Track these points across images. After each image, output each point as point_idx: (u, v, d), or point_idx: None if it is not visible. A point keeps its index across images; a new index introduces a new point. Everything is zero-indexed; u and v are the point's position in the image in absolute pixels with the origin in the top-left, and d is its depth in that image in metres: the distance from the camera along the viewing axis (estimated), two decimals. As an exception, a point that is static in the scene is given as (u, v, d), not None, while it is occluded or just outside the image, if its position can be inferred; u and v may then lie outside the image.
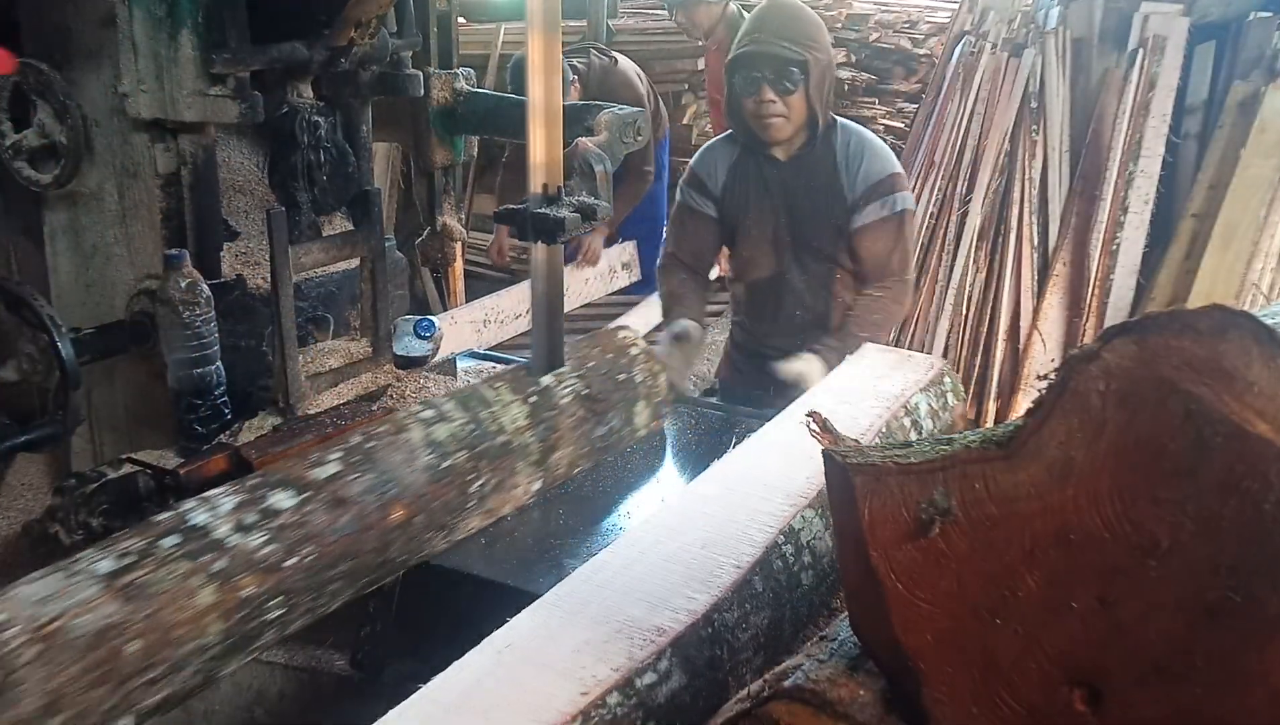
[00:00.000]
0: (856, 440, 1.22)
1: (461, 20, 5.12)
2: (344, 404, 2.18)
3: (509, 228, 2.01)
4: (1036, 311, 4.31)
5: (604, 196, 2.05)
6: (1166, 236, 4.14)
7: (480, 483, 1.82)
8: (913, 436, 2.19)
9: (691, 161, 2.89)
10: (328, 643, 1.92)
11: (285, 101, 2.21)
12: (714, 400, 2.62)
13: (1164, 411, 0.90)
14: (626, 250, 5.36)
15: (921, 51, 6.24)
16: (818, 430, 1.27)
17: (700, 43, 5.02)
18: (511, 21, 6.65)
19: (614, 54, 4.98)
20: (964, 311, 4.45)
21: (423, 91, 2.42)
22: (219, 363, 2.01)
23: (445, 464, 1.77)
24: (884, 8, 6.38)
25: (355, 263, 2.21)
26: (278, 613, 1.53)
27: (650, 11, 6.94)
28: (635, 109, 2.33)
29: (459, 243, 2.72)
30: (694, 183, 2.84)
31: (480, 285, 5.37)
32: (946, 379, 2.44)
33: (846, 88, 6.09)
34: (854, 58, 6.17)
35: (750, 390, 2.63)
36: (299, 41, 2.10)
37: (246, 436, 2.01)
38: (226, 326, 2.05)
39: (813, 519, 1.77)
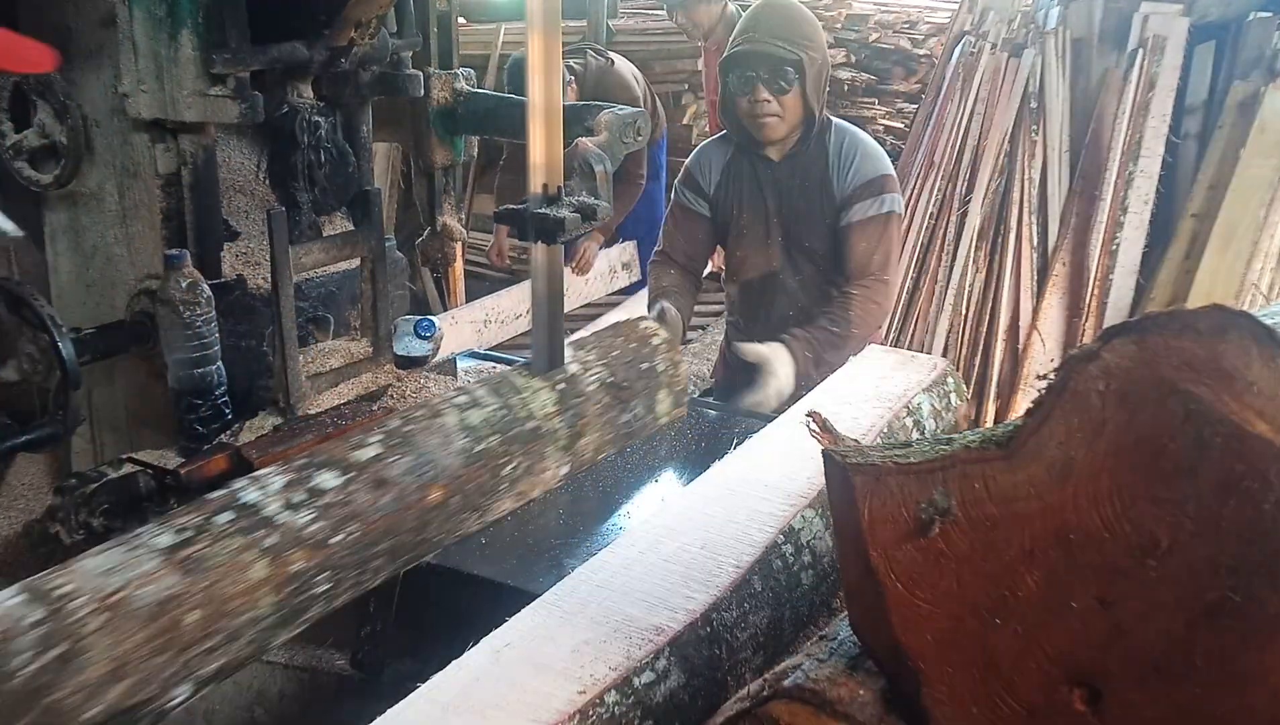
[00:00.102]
0: (856, 440, 1.22)
1: (462, 20, 5.12)
2: (344, 404, 2.18)
3: (508, 229, 2.01)
4: (1036, 311, 4.32)
5: (604, 196, 2.05)
6: (1166, 236, 4.14)
7: (512, 466, 1.86)
8: (915, 437, 2.19)
9: (687, 161, 2.91)
10: (328, 642, 1.92)
11: (285, 101, 2.21)
12: (711, 400, 2.62)
13: (1164, 411, 0.91)
14: (627, 250, 5.37)
15: (921, 52, 6.24)
16: (817, 430, 1.27)
17: (700, 43, 5.02)
18: (511, 22, 6.65)
19: (611, 55, 4.98)
20: (964, 311, 4.46)
21: (423, 92, 2.42)
22: (219, 363, 2.01)
23: (479, 448, 1.81)
24: (883, 8, 6.38)
25: (355, 263, 2.21)
26: (325, 587, 1.57)
27: (650, 12, 6.95)
28: (635, 109, 2.33)
29: (459, 243, 2.72)
30: (688, 181, 2.85)
31: (480, 285, 5.37)
32: (949, 379, 2.44)
33: (846, 88, 6.09)
34: (854, 58, 6.17)
35: (745, 391, 2.63)
36: (299, 41, 2.10)
37: (247, 436, 2.01)
38: (227, 326, 2.05)
39: (812, 519, 1.77)
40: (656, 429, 2.19)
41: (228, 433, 2.01)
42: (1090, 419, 0.94)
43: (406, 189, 5.44)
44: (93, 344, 2.00)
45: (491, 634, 1.41)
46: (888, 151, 2.90)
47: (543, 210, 1.96)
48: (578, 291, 5.05)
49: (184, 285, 1.92)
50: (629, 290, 5.40)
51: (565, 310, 2.15)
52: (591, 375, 2.04)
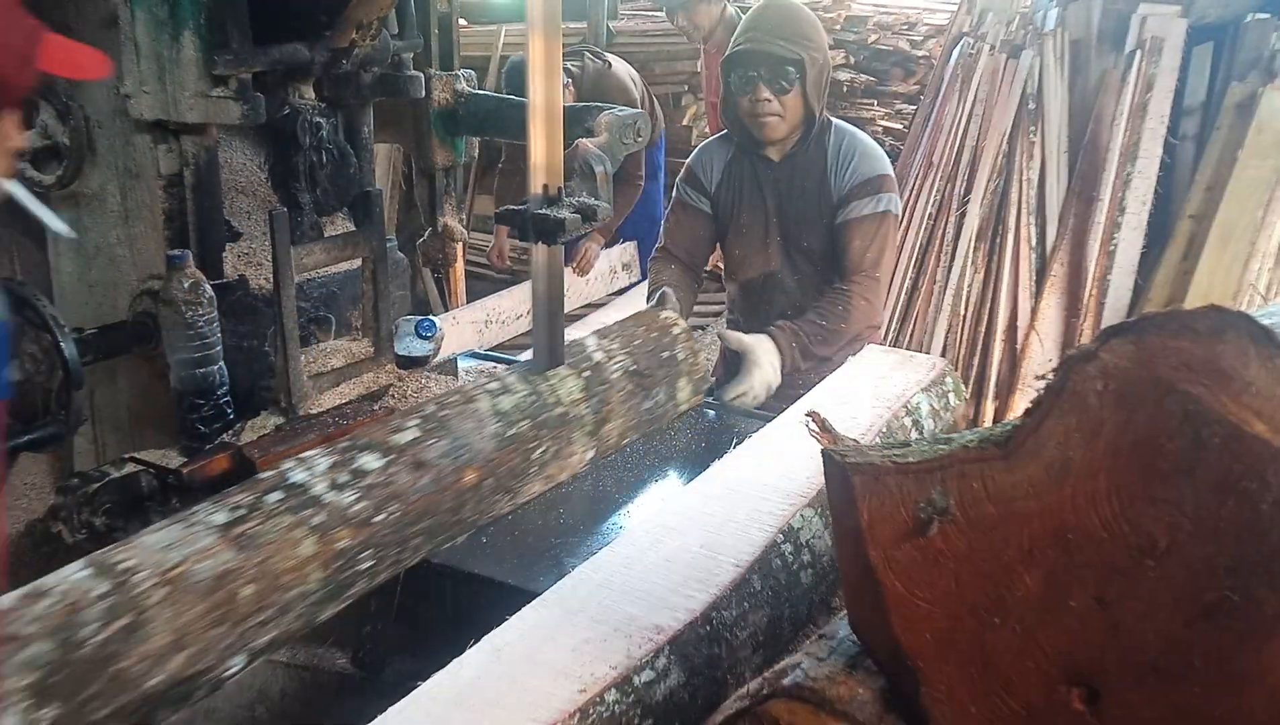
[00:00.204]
0: (855, 440, 1.23)
1: (462, 22, 5.12)
2: (346, 404, 2.18)
3: (509, 230, 2.03)
4: (1034, 312, 4.32)
5: (604, 197, 2.05)
6: (1164, 237, 4.15)
7: (541, 450, 1.95)
8: (914, 436, 2.20)
9: (688, 160, 2.92)
10: (329, 641, 1.93)
11: (287, 103, 2.22)
12: (711, 400, 2.63)
13: (1161, 411, 0.91)
14: (627, 250, 5.37)
15: (920, 53, 6.24)
16: (817, 430, 1.27)
17: (700, 45, 5.01)
18: (512, 23, 6.66)
19: (608, 57, 4.98)
20: (962, 311, 4.46)
21: (424, 93, 2.43)
22: (221, 362, 2.01)
23: (510, 432, 1.90)
24: (883, 9, 6.38)
25: (357, 263, 2.21)
26: (368, 564, 1.65)
27: (650, 13, 6.95)
28: (635, 110, 2.34)
29: (460, 243, 2.73)
30: (689, 179, 2.87)
31: (481, 286, 5.37)
32: (948, 379, 2.44)
33: (845, 89, 6.09)
34: (852, 59, 6.17)
35: (728, 383, 2.63)
36: (301, 43, 2.11)
37: (249, 436, 2.01)
38: (229, 326, 2.05)
39: (812, 518, 1.77)
40: (677, 415, 2.32)
41: (230, 432, 2.01)
42: (1088, 419, 0.95)
43: (408, 190, 5.44)
44: (95, 344, 2.01)
45: (492, 633, 1.42)
46: (887, 152, 2.90)
47: (543, 211, 1.97)
48: (578, 292, 5.05)
49: (186, 285, 1.92)
50: (629, 290, 5.40)
51: (565, 310, 2.16)
52: (615, 363, 2.14)
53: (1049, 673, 1.02)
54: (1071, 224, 4.28)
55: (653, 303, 2.60)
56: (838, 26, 6.06)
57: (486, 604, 1.62)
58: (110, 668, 1.32)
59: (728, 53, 2.72)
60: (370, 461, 1.69)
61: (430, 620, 1.87)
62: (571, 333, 2.21)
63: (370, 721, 1.25)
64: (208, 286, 1.96)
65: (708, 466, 1.98)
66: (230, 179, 2.23)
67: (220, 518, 1.51)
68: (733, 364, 2.96)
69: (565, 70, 4.62)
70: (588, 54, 4.93)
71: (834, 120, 2.77)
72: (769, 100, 2.62)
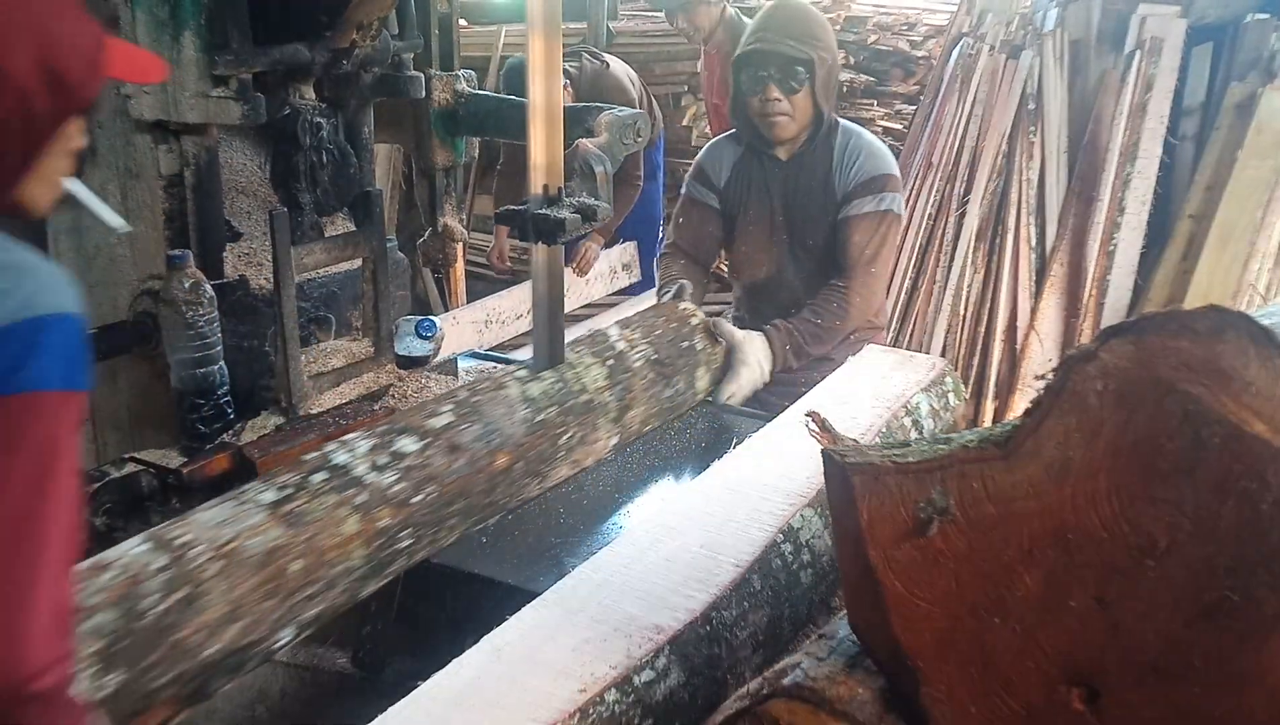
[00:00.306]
0: (855, 440, 1.23)
1: (462, 22, 5.12)
2: (346, 404, 2.18)
3: (508, 231, 2.03)
4: (1034, 312, 4.32)
5: (604, 197, 2.06)
6: (1164, 237, 4.15)
7: (568, 436, 2.01)
8: (914, 436, 2.20)
9: (698, 156, 2.94)
10: (329, 641, 1.93)
11: (287, 103, 2.22)
12: (711, 399, 2.63)
13: (1161, 411, 0.91)
14: (627, 251, 5.37)
15: (920, 53, 6.24)
16: (816, 430, 1.28)
17: (701, 47, 5.00)
18: (512, 24, 6.65)
19: (606, 57, 4.98)
20: (962, 311, 4.46)
21: (424, 93, 2.43)
22: (222, 362, 2.01)
23: (539, 418, 1.96)
24: (882, 10, 6.38)
25: (357, 263, 2.22)
26: (407, 542, 1.72)
27: (650, 14, 6.94)
28: (635, 110, 2.34)
29: (460, 243, 2.73)
30: (699, 176, 2.89)
31: (481, 286, 5.37)
32: (948, 379, 2.45)
33: (845, 89, 6.09)
34: (852, 60, 6.17)
35: (759, 392, 2.64)
36: (301, 43, 2.11)
37: (249, 436, 2.01)
38: (229, 326, 2.06)
39: (812, 518, 1.77)
40: (696, 404, 2.42)
41: (230, 432, 2.01)
42: (1088, 419, 0.95)
43: (408, 190, 5.43)
44: (95, 344, 2.01)
45: (492, 633, 1.42)
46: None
47: (543, 211, 1.97)
48: (578, 292, 5.05)
49: (186, 285, 1.92)
50: (629, 291, 5.40)
51: (565, 310, 2.16)
52: (637, 352, 2.22)
53: (1049, 672, 1.02)
54: (1071, 224, 4.28)
55: (667, 296, 2.62)
56: (837, 27, 6.06)
57: (486, 604, 1.62)
58: (170, 637, 1.38)
59: (738, 52, 2.73)
60: (408, 444, 1.76)
61: (430, 620, 1.87)
62: (571, 333, 2.21)
63: (370, 721, 1.26)
64: (208, 286, 1.96)
65: (708, 466, 1.98)
66: (230, 179, 2.23)
67: (269, 496, 1.58)
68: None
69: (563, 71, 4.60)
70: (585, 54, 4.92)
71: (841, 121, 2.79)
72: (779, 100, 2.64)
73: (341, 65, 2.24)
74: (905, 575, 1.08)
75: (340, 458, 1.69)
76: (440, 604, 1.87)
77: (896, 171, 2.76)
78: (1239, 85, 4.00)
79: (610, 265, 5.28)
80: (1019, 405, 4.18)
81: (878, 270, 2.71)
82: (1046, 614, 1.01)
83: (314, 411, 2.12)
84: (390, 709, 1.28)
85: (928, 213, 4.50)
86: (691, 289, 2.65)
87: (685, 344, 2.35)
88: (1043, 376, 0.99)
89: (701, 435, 2.46)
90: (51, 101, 1.17)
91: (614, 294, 5.36)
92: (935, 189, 4.50)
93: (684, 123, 6.34)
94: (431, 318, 2.47)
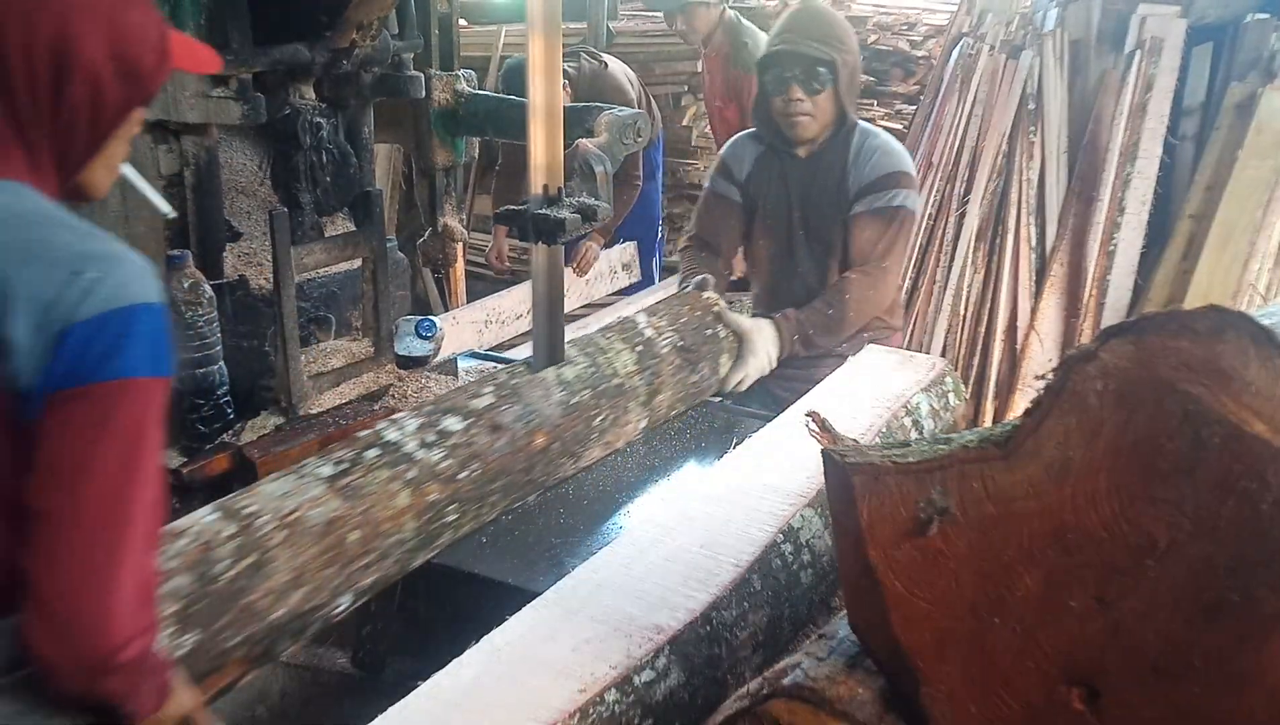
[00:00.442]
0: (855, 440, 1.23)
1: (462, 22, 5.11)
2: (346, 404, 2.19)
3: (507, 231, 2.04)
4: (1034, 312, 4.32)
5: (604, 197, 2.06)
6: (1164, 237, 4.14)
7: (601, 418, 2.09)
8: (914, 436, 2.20)
9: (721, 151, 3.00)
10: (329, 641, 1.93)
11: (287, 103, 2.22)
12: (715, 399, 2.64)
13: (1161, 411, 0.91)
14: (627, 251, 5.37)
15: (920, 53, 6.24)
16: (816, 430, 1.27)
17: (700, 50, 4.98)
18: (512, 24, 6.65)
19: (605, 57, 4.97)
20: (962, 311, 4.45)
21: (424, 93, 2.43)
22: (222, 363, 2.01)
23: (574, 400, 2.04)
24: (882, 10, 6.38)
25: (357, 263, 2.22)
26: (453, 517, 1.79)
27: (650, 14, 6.94)
28: (635, 110, 2.34)
29: (460, 243, 2.73)
30: (721, 170, 2.95)
31: (481, 286, 5.36)
32: (947, 379, 2.45)
33: (845, 89, 6.09)
34: (853, 59, 6.16)
35: (766, 382, 2.67)
36: (301, 43, 2.11)
37: (249, 436, 2.01)
38: (229, 327, 2.06)
39: (812, 518, 1.77)
40: (720, 390, 2.50)
41: (230, 432, 2.01)
42: (1088, 419, 0.95)
43: (408, 190, 5.42)
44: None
45: (492, 633, 1.42)
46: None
47: (543, 211, 1.97)
48: (578, 292, 5.05)
49: (186, 285, 1.92)
50: (629, 291, 5.39)
51: (565, 310, 2.16)
52: (664, 339, 2.29)
53: (1049, 672, 1.02)
54: (1071, 224, 4.28)
55: (688, 287, 2.65)
56: (838, 27, 6.05)
57: (486, 604, 1.62)
58: (240, 600, 1.45)
59: (763, 53, 2.79)
60: (453, 423, 1.83)
61: (430, 620, 1.88)
62: (571, 333, 2.22)
63: (370, 721, 1.26)
64: (207, 287, 1.96)
65: (708, 467, 1.98)
66: (230, 179, 2.23)
67: (327, 470, 1.65)
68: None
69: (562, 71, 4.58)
70: (584, 54, 4.91)
71: (862, 123, 2.84)
72: (801, 100, 2.68)
73: (341, 65, 2.24)
74: (905, 575, 1.08)
75: (391, 435, 1.76)
76: (440, 604, 1.87)
77: (911, 170, 2.80)
78: (1239, 85, 3.99)
79: (610, 265, 5.27)
80: (1019, 405, 4.17)
81: (889, 265, 2.74)
82: (1046, 614, 1.01)
83: (314, 411, 2.12)
84: (390, 709, 1.28)
85: (928, 213, 4.50)
86: (714, 281, 2.70)
87: (709, 332, 2.43)
88: (1043, 376, 0.99)
89: (701, 435, 2.46)
90: (121, 89, 1.22)
91: (614, 294, 5.36)
92: (935, 189, 4.50)
93: (684, 123, 6.34)
94: (431, 318, 2.47)
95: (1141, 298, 4.15)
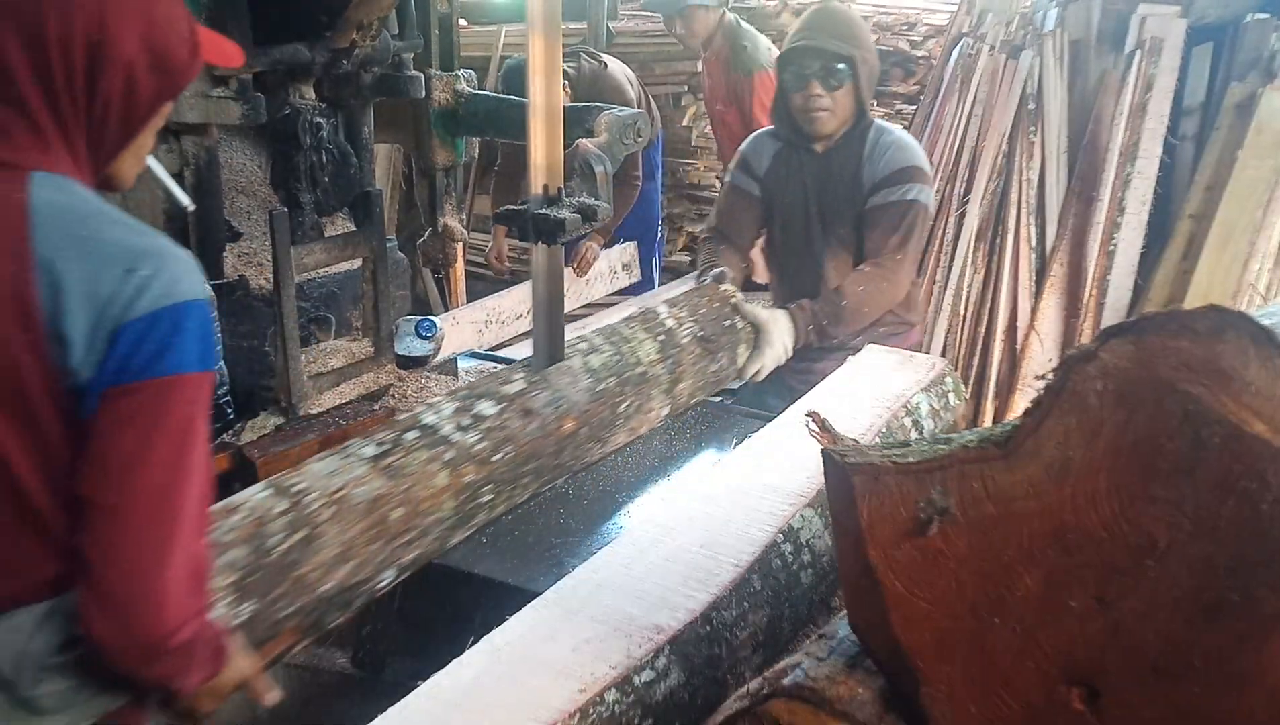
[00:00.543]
0: (855, 440, 1.23)
1: (462, 22, 5.11)
2: (346, 404, 2.19)
3: (506, 231, 2.05)
4: (1034, 312, 4.32)
5: (604, 197, 2.06)
6: (1164, 237, 4.14)
7: (626, 405, 2.15)
8: (913, 436, 2.20)
9: (741, 147, 3.06)
10: (329, 641, 1.93)
11: (287, 103, 2.22)
12: (717, 400, 2.65)
13: (1161, 411, 0.91)
14: (627, 251, 5.37)
15: (920, 53, 6.24)
16: (816, 430, 1.27)
17: (700, 53, 4.96)
18: (512, 24, 6.65)
19: (605, 57, 4.96)
20: (962, 311, 4.45)
21: (424, 93, 2.43)
22: (221, 362, 2.01)
23: (600, 387, 2.10)
24: (882, 9, 6.37)
25: (357, 263, 2.22)
26: (488, 497, 1.85)
27: (650, 14, 6.94)
28: (635, 110, 2.34)
29: (460, 243, 2.73)
30: (742, 164, 3.01)
31: (481, 286, 5.37)
32: (947, 379, 2.45)
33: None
34: (853, 59, 6.16)
35: (783, 374, 2.71)
36: (301, 43, 2.11)
37: (249, 436, 2.01)
38: (229, 326, 2.06)
39: (812, 518, 1.77)
40: (738, 379, 2.58)
41: (230, 432, 2.01)
42: (1088, 419, 0.95)
43: (408, 190, 5.42)
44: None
45: (492, 632, 1.42)
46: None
47: (543, 211, 1.97)
48: (578, 292, 5.05)
49: (186, 285, 1.92)
50: (629, 291, 5.39)
51: (565, 310, 2.17)
52: (685, 329, 2.36)
53: (1049, 672, 1.02)
54: (1071, 224, 4.28)
55: (707, 279, 2.70)
56: (838, 26, 6.04)
57: (486, 604, 1.63)
58: (293, 573, 1.52)
59: (783, 50, 2.84)
60: (487, 407, 1.90)
61: (430, 620, 1.87)
62: (571, 332, 2.22)
63: (370, 721, 1.26)
64: (208, 286, 1.96)
65: (708, 467, 1.98)
66: (230, 179, 2.23)
67: (369, 451, 1.72)
68: None
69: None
70: (584, 55, 4.91)
71: (878, 120, 2.88)
72: (820, 95, 2.73)
73: (341, 65, 2.24)
74: (905, 575, 1.08)
75: (429, 418, 1.83)
76: (440, 604, 1.87)
77: (925, 165, 2.84)
78: (1239, 85, 3.99)
79: (610, 265, 5.27)
80: (1019, 405, 4.17)
81: (903, 258, 2.77)
82: (1046, 614, 1.01)
83: (314, 411, 2.12)
84: (390, 709, 1.28)
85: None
86: (732, 274, 2.76)
87: (727, 323, 2.49)
88: (1043, 376, 0.99)
89: (701, 435, 2.46)
90: (154, 82, 1.24)
91: (614, 294, 5.36)
92: (935, 189, 4.50)
93: (684, 123, 6.34)
94: (431, 318, 2.47)
95: (1141, 298, 4.15)
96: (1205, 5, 4.14)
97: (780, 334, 2.57)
